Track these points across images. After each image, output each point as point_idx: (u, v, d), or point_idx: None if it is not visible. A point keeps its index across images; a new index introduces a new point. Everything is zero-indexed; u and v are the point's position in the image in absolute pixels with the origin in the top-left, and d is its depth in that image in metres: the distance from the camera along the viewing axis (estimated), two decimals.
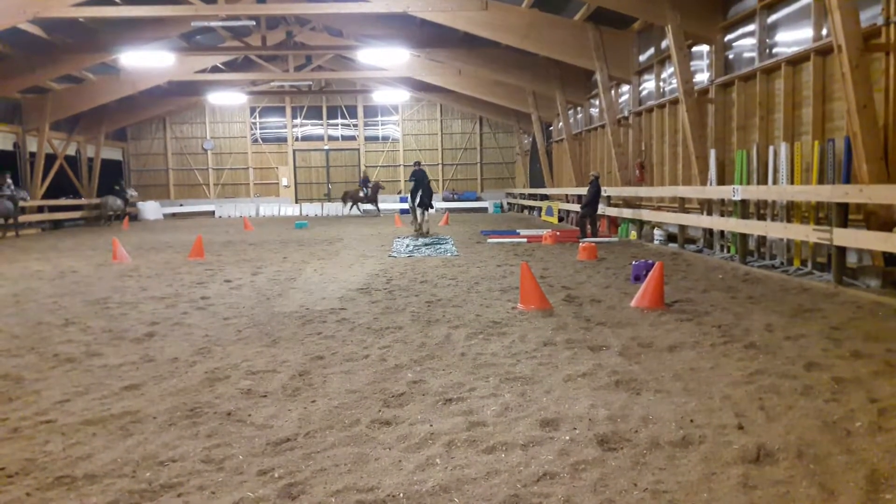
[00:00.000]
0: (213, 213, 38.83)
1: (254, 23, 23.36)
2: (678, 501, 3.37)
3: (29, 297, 10.28)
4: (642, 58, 19.63)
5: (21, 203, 25.46)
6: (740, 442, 4.03)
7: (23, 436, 4.43)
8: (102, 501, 3.49)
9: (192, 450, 4.14)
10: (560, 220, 26.42)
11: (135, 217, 36.11)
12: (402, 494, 3.50)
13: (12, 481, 3.75)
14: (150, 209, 37.33)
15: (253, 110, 39.63)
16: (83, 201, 32.26)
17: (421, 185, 21.59)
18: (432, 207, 22.39)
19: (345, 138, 40.25)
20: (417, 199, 21.76)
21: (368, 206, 35.87)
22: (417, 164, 22.90)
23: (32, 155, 28.35)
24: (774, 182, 11.96)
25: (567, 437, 4.19)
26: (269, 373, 5.84)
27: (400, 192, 39.01)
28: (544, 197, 30.29)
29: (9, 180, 25.00)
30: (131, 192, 33.57)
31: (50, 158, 29.61)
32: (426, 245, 17.83)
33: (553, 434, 4.27)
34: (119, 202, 31.74)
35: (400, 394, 5.16)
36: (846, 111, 9.73)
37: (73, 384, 5.58)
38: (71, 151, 32.26)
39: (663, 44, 17.52)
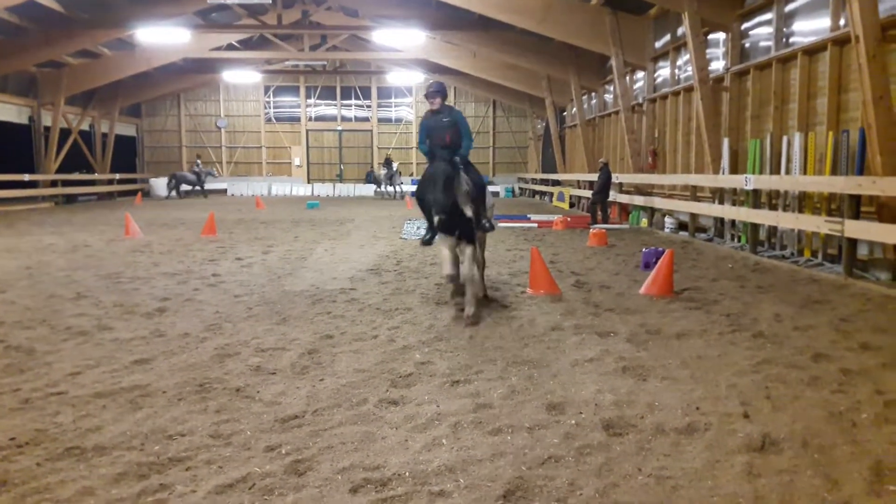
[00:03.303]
0: (225, 191, 38.89)
1: (270, 1, 23.28)
2: (682, 488, 3.39)
3: (42, 270, 10.36)
4: (658, 44, 19.47)
5: (207, 178, 34.64)
6: (745, 430, 4.04)
7: (34, 407, 4.49)
8: (111, 473, 3.54)
9: (201, 424, 4.19)
10: (571, 205, 26.37)
11: (147, 193, 36.23)
12: (407, 473, 3.54)
13: (22, 451, 3.80)
14: (163, 186, 37.36)
15: (267, 89, 39.60)
16: (96, 176, 32.41)
17: (446, 179, 6.79)
18: (490, 227, 7.80)
19: (358, 119, 40.23)
20: (439, 210, 6.81)
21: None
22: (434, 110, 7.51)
23: (47, 129, 28.47)
24: (787, 172, 11.89)
25: (573, 422, 4.22)
26: (279, 350, 5.88)
27: (412, 175, 38.79)
28: (556, 182, 30.19)
29: (198, 160, 35.42)
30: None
31: (64, 133, 29.71)
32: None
33: (559, 418, 4.29)
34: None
35: (408, 374, 5.19)
36: (862, 102, 9.64)
37: (84, 357, 5.63)
38: (85, 126, 32.36)
39: (679, 30, 17.36)
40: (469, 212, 7.10)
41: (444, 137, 7.43)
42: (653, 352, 5.81)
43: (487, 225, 7.68)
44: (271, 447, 3.87)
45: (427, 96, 7.58)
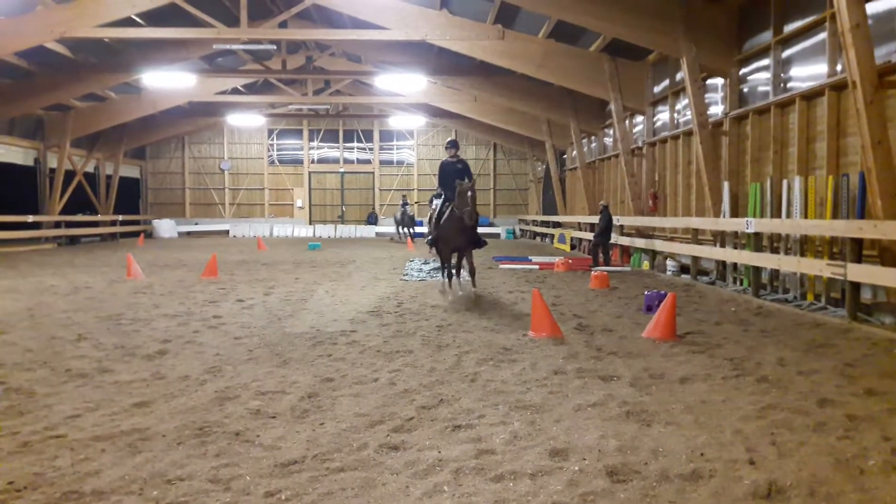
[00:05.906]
0: (227, 232, 39.06)
1: (274, 47, 23.61)
2: None
3: (43, 311, 10.35)
4: (657, 89, 19.70)
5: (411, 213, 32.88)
6: (751, 477, 3.99)
7: (32, 450, 4.45)
8: None
9: (200, 469, 4.14)
10: (572, 247, 26.40)
11: (150, 235, 36.39)
12: None
13: (20, 495, 3.76)
14: (166, 227, 37.64)
15: (271, 132, 40.04)
16: (99, 217, 32.57)
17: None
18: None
19: (360, 161, 40.60)
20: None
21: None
22: None
23: (52, 171, 28.72)
24: (788, 215, 11.93)
25: (576, 468, 4.17)
26: (279, 394, 5.84)
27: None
28: (557, 224, 30.28)
29: (405, 198, 33.01)
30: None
31: (69, 175, 29.95)
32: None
33: (562, 464, 4.24)
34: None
35: (409, 419, 5.14)
36: (860, 146, 9.71)
37: (84, 400, 5.60)
38: (90, 168, 32.62)
39: (678, 76, 17.58)
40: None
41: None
42: (656, 396, 5.76)
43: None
44: (270, 492, 3.82)
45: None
